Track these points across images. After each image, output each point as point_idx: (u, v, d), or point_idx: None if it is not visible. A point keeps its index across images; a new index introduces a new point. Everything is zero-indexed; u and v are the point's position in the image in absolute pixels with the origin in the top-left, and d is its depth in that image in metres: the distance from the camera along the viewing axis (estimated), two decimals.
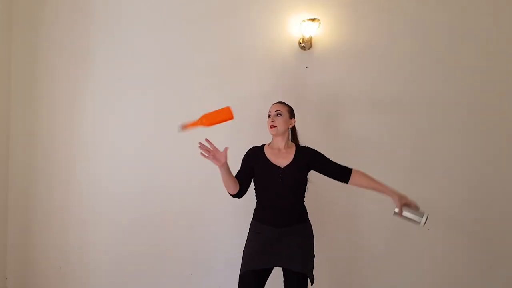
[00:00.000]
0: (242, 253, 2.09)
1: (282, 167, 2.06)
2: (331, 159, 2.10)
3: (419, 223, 1.85)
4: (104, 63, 2.83)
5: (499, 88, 2.56)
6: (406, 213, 1.87)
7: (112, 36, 2.83)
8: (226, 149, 1.93)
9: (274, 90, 2.66)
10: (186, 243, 2.75)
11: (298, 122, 2.67)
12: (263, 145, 2.17)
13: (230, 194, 2.06)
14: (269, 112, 2.13)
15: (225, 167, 1.95)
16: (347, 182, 2.07)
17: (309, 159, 2.10)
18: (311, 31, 2.56)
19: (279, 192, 2.04)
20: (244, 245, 2.10)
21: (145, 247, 2.79)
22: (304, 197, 2.12)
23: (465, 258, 2.58)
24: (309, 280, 2.02)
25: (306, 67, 2.67)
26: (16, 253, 2.93)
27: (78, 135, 2.86)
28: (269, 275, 2.07)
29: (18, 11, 2.92)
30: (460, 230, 2.59)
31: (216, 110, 1.96)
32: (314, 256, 2.09)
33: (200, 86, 2.75)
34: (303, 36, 2.60)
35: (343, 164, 2.08)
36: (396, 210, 1.89)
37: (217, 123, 1.95)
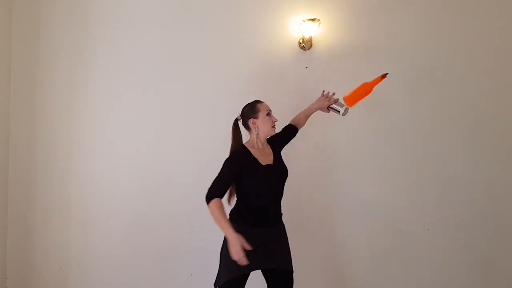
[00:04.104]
0: (221, 258, 1.99)
1: (272, 164, 2.02)
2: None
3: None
4: (104, 63, 2.83)
5: (503, 89, 2.56)
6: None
7: (112, 36, 2.83)
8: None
9: (274, 90, 2.67)
10: (186, 243, 2.74)
11: None
12: (244, 147, 2.02)
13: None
14: (267, 110, 2.04)
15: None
16: (297, 131, 2.27)
17: (277, 144, 2.16)
18: (311, 31, 2.56)
19: (277, 189, 2.02)
20: (222, 249, 2.00)
21: (145, 247, 2.79)
22: None
23: (465, 258, 2.58)
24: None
25: (306, 67, 2.67)
26: (16, 253, 2.93)
27: (78, 135, 2.86)
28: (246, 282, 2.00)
29: (18, 11, 2.92)
30: (460, 230, 2.59)
31: (356, 89, 2.14)
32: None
33: (199, 86, 2.76)
34: (303, 36, 2.61)
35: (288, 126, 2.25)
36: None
37: (358, 101, 2.16)
